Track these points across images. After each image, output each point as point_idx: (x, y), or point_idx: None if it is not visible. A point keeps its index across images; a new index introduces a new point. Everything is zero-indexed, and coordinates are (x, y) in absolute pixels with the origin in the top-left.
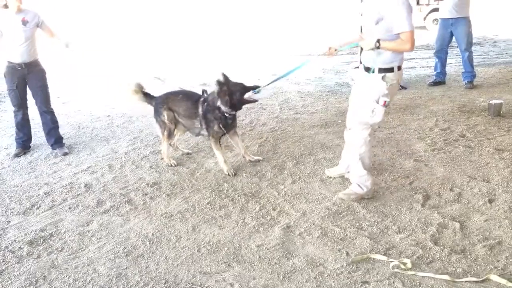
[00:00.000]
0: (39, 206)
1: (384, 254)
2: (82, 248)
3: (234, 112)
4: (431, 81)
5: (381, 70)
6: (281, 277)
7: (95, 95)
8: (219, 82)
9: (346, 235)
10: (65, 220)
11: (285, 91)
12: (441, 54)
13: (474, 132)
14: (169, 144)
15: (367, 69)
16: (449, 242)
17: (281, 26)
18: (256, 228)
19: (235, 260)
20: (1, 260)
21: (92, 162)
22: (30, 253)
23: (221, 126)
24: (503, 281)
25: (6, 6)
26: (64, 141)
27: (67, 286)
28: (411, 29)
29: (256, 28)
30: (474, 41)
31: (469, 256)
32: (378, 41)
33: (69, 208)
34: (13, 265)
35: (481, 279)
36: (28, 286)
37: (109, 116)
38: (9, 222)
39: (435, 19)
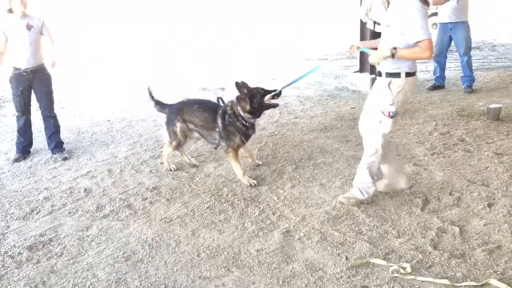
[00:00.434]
0: (38, 211)
1: (384, 259)
2: (81, 253)
3: (254, 120)
4: (430, 85)
5: (387, 75)
6: (281, 281)
7: (94, 99)
8: (238, 85)
9: (346, 239)
10: (64, 225)
11: (284, 96)
12: (440, 58)
13: (473, 136)
14: (178, 151)
15: (379, 73)
16: (449, 247)
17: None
18: (256, 232)
19: (235, 265)
20: (1, 265)
21: (92, 166)
22: (29, 258)
23: (242, 138)
24: (502, 286)
25: (11, 10)
26: (64, 146)
27: None
28: (429, 37)
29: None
30: (473, 45)
31: (468, 261)
32: (394, 48)
33: (69, 213)
34: (13, 270)
35: (480, 283)
36: None
37: (108, 120)
38: (8, 227)
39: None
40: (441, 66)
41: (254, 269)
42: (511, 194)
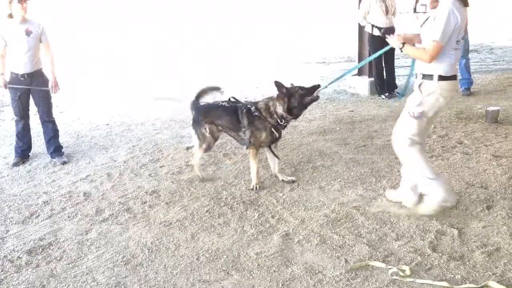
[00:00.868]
0: (38, 215)
1: (383, 261)
2: (81, 257)
3: (291, 119)
4: None
5: (421, 76)
6: (280, 285)
7: (93, 103)
8: (277, 84)
9: (345, 242)
10: (64, 229)
11: None
12: None
13: (472, 138)
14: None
15: (416, 75)
16: (448, 249)
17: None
18: (255, 236)
19: (234, 268)
20: (0, 270)
21: (91, 170)
22: (29, 262)
23: (273, 131)
24: None
25: (11, 15)
26: (63, 150)
27: None
28: (439, 41)
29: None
30: (471, 48)
31: (467, 263)
32: (403, 43)
33: (68, 217)
34: (12, 275)
35: (479, 285)
36: None
37: (108, 124)
38: (8, 231)
39: None
40: None
41: (253, 273)
42: (510, 196)
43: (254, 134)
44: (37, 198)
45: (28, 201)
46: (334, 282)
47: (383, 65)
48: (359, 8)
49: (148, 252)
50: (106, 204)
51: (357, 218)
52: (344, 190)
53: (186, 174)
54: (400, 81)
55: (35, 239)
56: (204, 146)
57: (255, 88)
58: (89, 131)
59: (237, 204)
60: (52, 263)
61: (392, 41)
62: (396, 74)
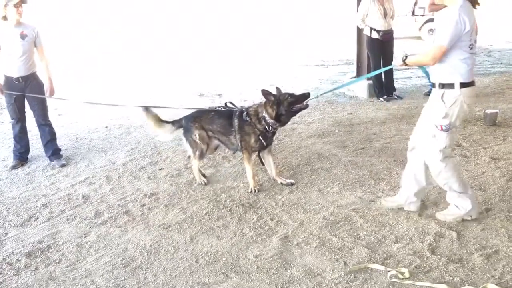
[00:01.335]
0: (36, 217)
1: (382, 264)
2: (80, 259)
3: (278, 126)
4: (427, 91)
5: (440, 86)
6: (279, 287)
7: (92, 106)
8: (264, 92)
9: (344, 244)
10: (63, 231)
11: None
12: None
13: (470, 141)
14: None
15: (433, 85)
16: (447, 251)
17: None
18: (254, 238)
19: (233, 271)
20: None
21: (90, 173)
22: (27, 265)
23: (261, 138)
24: None
25: (5, 18)
26: (61, 152)
27: None
28: (444, 44)
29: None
30: None
31: (466, 265)
32: (406, 56)
33: (67, 220)
34: (11, 277)
35: None
36: None
37: (106, 127)
38: (6, 234)
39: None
40: None
41: (252, 275)
42: (508, 198)
43: (243, 138)
44: (36, 200)
45: (27, 203)
46: (333, 284)
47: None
48: (357, 11)
49: (147, 254)
50: (105, 207)
51: (356, 220)
52: (343, 193)
53: (185, 177)
54: (398, 84)
55: (34, 242)
56: (197, 153)
57: (254, 90)
58: (88, 134)
59: (236, 206)
60: (51, 266)
61: (395, 60)
62: (394, 76)
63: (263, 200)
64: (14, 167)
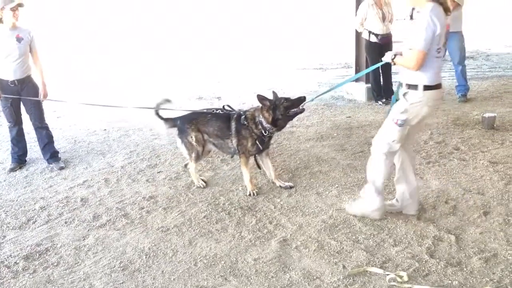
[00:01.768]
0: (35, 220)
1: (381, 267)
2: (78, 262)
3: (275, 130)
4: None
5: (406, 86)
6: None
7: (90, 108)
8: (260, 97)
9: (343, 248)
10: (61, 234)
11: None
12: None
13: (469, 145)
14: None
15: (401, 84)
16: (445, 255)
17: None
18: (253, 241)
19: (232, 274)
20: None
21: (88, 176)
22: (26, 268)
23: (257, 142)
24: None
25: (1, 21)
26: (60, 155)
27: None
28: (421, 49)
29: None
30: (467, 55)
31: (465, 269)
32: (395, 55)
33: (65, 223)
34: (9, 280)
35: None
36: None
37: (105, 130)
38: (4, 236)
39: None
40: None
41: (251, 278)
42: (507, 202)
43: (241, 142)
44: (34, 203)
45: (25, 206)
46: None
47: (380, 71)
48: (356, 14)
49: (146, 257)
50: (104, 210)
51: (354, 224)
52: (342, 196)
53: (183, 180)
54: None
55: (32, 245)
56: (193, 155)
57: (253, 94)
58: (87, 137)
59: (234, 209)
60: (49, 269)
61: (386, 55)
62: (393, 80)
63: (262, 203)
64: (12, 169)
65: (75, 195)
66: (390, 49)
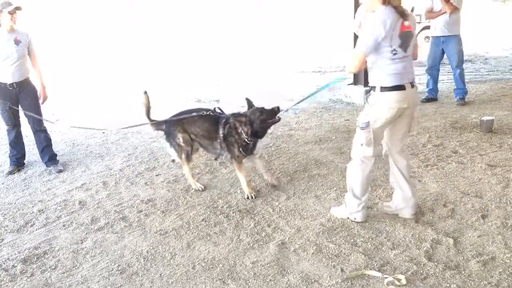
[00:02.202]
0: (33, 223)
1: (379, 270)
2: (76, 266)
3: (257, 139)
4: (423, 98)
5: (370, 88)
6: None
7: (89, 111)
8: (235, 115)
9: (341, 251)
10: (59, 237)
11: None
12: (433, 71)
13: (467, 148)
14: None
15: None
16: (443, 258)
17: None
18: (251, 244)
19: (230, 277)
20: None
21: (87, 179)
22: (23, 271)
23: (241, 150)
24: None
25: None
26: (58, 158)
27: None
28: (360, 52)
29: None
30: (465, 58)
31: (463, 272)
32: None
33: (63, 226)
34: (7, 284)
35: None
36: None
37: (103, 132)
38: (2, 240)
39: (427, 37)
40: (434, 79)
41: (249, 282)
42: (505, 205)
43: (229, 148)
44: (32, 206)
45: (23, 209)
46: None
47: None
48: (354, 17)
49: (144, 261)
50: (102, 213)
51: (353, 227)
52: (340, 199)
53: (182, 183)
54: None
55: (30, 248)
56: (183, 156)
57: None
58: (85, 139)
59: (233, 213)
60: (47, 272)
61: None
62: None
63: (260, 206)
64: (11, 172)
65: (73, 198)
66: None
